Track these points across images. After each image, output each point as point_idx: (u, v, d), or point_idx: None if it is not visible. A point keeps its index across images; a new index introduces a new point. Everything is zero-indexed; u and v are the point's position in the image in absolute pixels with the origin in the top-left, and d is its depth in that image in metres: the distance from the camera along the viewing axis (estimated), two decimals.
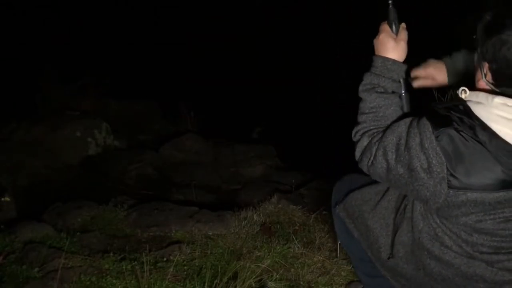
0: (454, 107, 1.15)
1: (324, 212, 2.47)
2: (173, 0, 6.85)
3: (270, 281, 1.90)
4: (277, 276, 1.93)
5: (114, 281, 1.88)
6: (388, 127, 1.24)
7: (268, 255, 2.07)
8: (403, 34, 1.35)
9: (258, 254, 2.09)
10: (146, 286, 1.80)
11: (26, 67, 4.80)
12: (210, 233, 2.35)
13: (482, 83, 1.16)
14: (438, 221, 1.21)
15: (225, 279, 1.78)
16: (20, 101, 4.50)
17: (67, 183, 3.50)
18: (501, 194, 1.10)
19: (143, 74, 5.76)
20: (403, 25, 1.37)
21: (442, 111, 1.15)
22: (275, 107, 4.96)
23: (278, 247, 2.14)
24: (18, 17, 5.56)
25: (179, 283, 1.87)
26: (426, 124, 1.14)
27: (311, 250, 2.16)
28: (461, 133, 1.10)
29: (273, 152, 4.13)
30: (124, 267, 1.95)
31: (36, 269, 1.96)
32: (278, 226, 2.41)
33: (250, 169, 3.85)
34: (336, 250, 2.15)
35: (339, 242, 1.98)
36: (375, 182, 1.40)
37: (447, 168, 1.10)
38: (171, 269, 1.91)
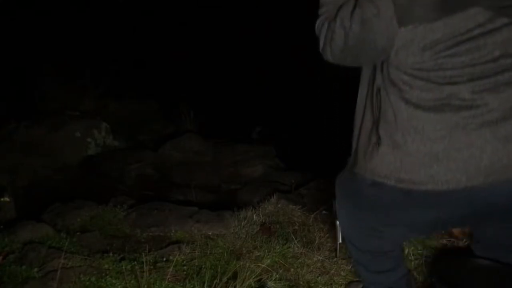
0: None
1: (323, 212, 2.47)
2: (173, 0, 6.85)
3: (270, 281, 1.90)
4: (277, 275, 1.93)
5: (114, 281, 1.88)
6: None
7: (268, 255, 2.07)
8: None
9: (258, 254, 2.09)
10: (145, 286, 1.80)
11: (26, 67, 4.80)
12: (210, 233, 2.35)
13: None
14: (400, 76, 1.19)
15: (224, 279, 1.78)
16: (20, 101, 4.50)
17: (67, 183, 3.51)
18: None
19: (143, 74, 5.76)
20: None
21: None
22: (275, 107, 4.97)
23: (278, 247, 2.14)
24: (18, 17, 5.56)
25: (178, 283, 1.87)
26: None
27: (310, 250, 2.16)
28: None
29: (273, 152, 4.13)
30: (123, 267, 1.95)
31: (36, 269, 1.96)
32: (278, 226, 2.41)
33: (249, 169, 3.85)
34: (335, 250, 2.14)
35: (339, 242, 1.98)
36: None
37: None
38: (171, 269, 1.91)
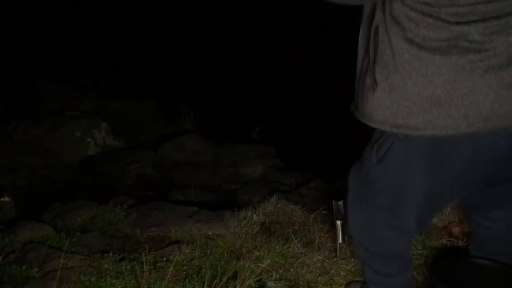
0: None
1: (323, 212, 2.47)
2: (173, 0, 6.85)
3: (270, 280, 1.90)
4: (277, 275, 1.93)
5: (114, 281, 1.88)
6: None
7: (268, 255, 2.07)
8: None
9: (258, 254, 2.08)
10: (145, 286, 1.80)
11: (26, 67, 4.80)
12: (210, 233, 2.35)
13: None
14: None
15: (224, 279, 1.78)
16: (20, 101, 4.50)
17: (67, 183, 3.51)
18: None
19: (143, 74, 5.76)
20: None
21: None
22: (275, 107, 4.96)
23: (278, 247, 2.14)
24: (18, 17, 5.56)
25: (178, 283, 1.87)
26: None
27: (310, 250, 2.15)
28: None
29: (273, 152, 4.13)
30: (123, 267, 1.95)
31: (36, 269, 1.96)
32: (278, 226, 2.40)
33: (249, 169, 3.84)
34: (335, 250, 2.14)
35: (339, 242, 1.98)
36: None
37: None
38: (171, 269, 1.91)
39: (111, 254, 2.09)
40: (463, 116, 1.13)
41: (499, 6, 1.08)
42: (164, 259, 2.06)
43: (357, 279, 1.94)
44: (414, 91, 1.15)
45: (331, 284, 1.95)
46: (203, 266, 1.98)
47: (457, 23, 1.09)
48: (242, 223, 2.39)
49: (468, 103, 1.12)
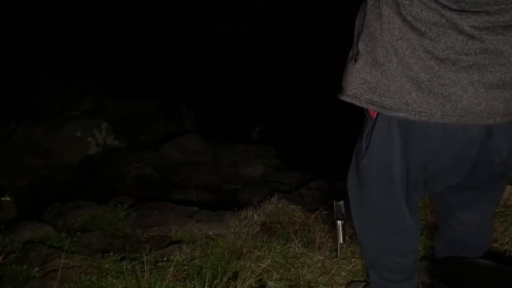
0: None
1: (324, 212, 2.47)
2: (173, 1, 6.85)
3: (270, 280, 1.90)
4: (277, 275, 1.93)
5: (114, 280, 1.88)
6: None
7: (268, 255, 2.07)
8: None
9: (258, 253, 2.08)
10: (146, 285, 1.80)
11: (26, 67, 4.80)
12: (210, 233, 2.35)
13: None
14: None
15: (225, 279, 1.78)
16: (20, 101, 4.50)
17: (67, 183, 3.51)
18: None
19: (143, 74, 5.76)
20: None
21: None
22: (275, 107, 4.96)
23: (278, 247, 2.13)
24: (18, 17, 5.56)
25: (179, 283, 1.87)
26: None
27: (311, 250, 2.15)
28: None
29: (273, 152, 4.13)
30: (124, 267, 1.95)
31: (36, 268, 1.96)
32: (278, 226, 2.40)
33: (250, 169, 3.85)
34: (336, 250, 2.14)
35: (339, 242, 1.98)
36: None
37: None
38: (171, 269, 1.91)
39: (111, 254, 2.09)
40: (440, 105, 1.12)
41: (494, 2, 1.06)
42: (165, 259, 2.06)
43: (357, 279, 1.94)
44: (398, 70, 1.13)
45: (331, 284, 1.95)
46: (203, 266, 1.98)
47: (449, 9, 1.07)
48: (243, 223, 2.39)
49: (447, 93, 1.11)
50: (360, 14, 1.25)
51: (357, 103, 1.20)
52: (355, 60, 1.19)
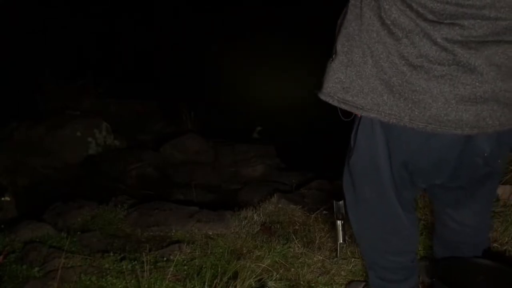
0: None
1: (324, 212, 2.47)
2: (173, 1, 6.85)
3: (270, 280, 1.90)
4: (277, 275, 1.93)
5: (114, 280, 1.88)
6: None
7: (268, 254, 2.07)
8: None
9: (258, 253, 2.09)
10: (146, 285, 1.81)
11: (26, 67, 4.80)
12: (210, 233, 2.35)
13: None
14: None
15: (225, 279, 1.78)
16: (20, 101, 4.50)
17: (68, 183, 3.51)
18: None
19: (143, 74, 5.77)
20: None
21: None
22: (275, 107, 4.96)
23: (278, 247, 2.14)
24: (18, 17, 5.56)
25: (179, 283, 1.87)
26: None
27: (311, 249, 2.16)
28: None
29: (273, 152, 4.14)
30: (124, 267, 1.95)
31: (36, 268, 1.96)
32: (278, 226, 2.41)
33: (250, 169, 3.85)
34: (336, 250, 2.14)
35: (339, 242, 1.98)
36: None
37: None
38: (171, 269, 1.91)
39: (111, 254, 2.09)
40: (409, 109, 1.13)
41: (469, 15, 1.06)
42: (165, 258, 2.06)
43: (357, 279, 1.94)
44: (372, 72, 1.14)
45: (331, 284, 1.95)
46: (203, 266, 1.98)
47: (424, 19, 1.08)
48: (243, 223, 2.39)
49: (417, 99, 1.12)
50: (342, 14, 1.26)
51: (331, 102, 1.23)
52: (333, 59, 1.22)
